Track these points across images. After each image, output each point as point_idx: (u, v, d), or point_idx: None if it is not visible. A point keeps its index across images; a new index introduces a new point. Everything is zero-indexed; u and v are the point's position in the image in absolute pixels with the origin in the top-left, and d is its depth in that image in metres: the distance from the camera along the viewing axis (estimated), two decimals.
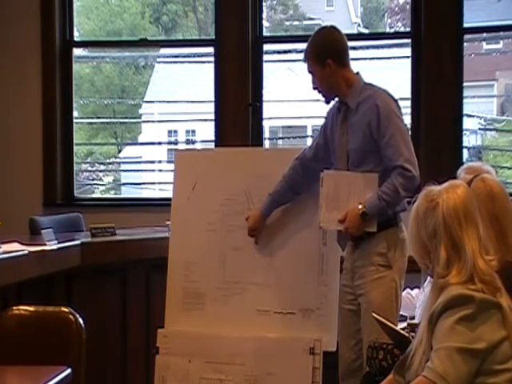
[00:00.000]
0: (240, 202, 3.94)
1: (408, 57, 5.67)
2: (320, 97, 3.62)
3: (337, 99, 3.58)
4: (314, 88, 3.57)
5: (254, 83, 5.72)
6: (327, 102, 3.63)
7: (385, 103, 3.41)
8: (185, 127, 7.24)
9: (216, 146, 5.72)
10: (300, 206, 3.80)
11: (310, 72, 3.55)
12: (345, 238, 3.51)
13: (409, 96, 5.59)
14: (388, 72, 6.27)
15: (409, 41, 5.68)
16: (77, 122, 6.28)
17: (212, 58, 5.86)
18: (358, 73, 3.57)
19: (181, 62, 6.89)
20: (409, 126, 5.32)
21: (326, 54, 3.48)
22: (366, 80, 3.58)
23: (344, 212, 3.40)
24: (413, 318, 3.80)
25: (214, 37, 5.86)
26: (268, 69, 5.94)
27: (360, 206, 3.36)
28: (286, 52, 6.26)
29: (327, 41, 3.53)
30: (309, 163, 3.67)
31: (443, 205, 2.38)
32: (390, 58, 6.32)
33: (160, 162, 6.79)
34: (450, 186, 2.46)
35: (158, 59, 7.13)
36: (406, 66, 5.69)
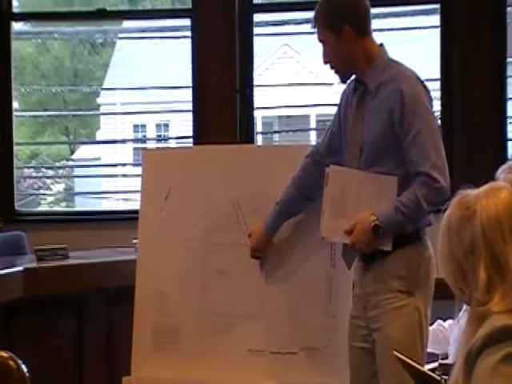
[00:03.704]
0: (226, 214, 3.95)
1: (437, 26, 5.71)
2: (328, 79, 3.61)
3: (354, 77, 3.54)
4: (326, 62, 3.51)
5: (243, 64, 5.75)
6: (343, 82, 3.58)
7: (412, 89, 3.36)
8: (155, 120, 7.27)
9: (195, 143, 5.77)
10: (303, 216, 3.79)
11: (320, 41, 3.51)
12: (351, 253, 3.50)
13: (438, 76, 5.63)
14: (412, 46, 6.30)
15: (437, 6, 5.72)
16: (17, 116, 6.30)
17: (189, 33, 5.89)
18: (381, 44, 3.51)
19: (149, 38, 6.91)
20: (438, 114, 5.34)
21: (343, 18, 3.42)
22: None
23: (352, 221, 3.40)
24: (446, 356, 3.81)
25: (190, 6, 5.89)
26: (260, 45, 5.97)
27: (372, 217, 3.35)
28: (282, 24, 6.27)
29: (345, 1, 3.49)
30: (323, 159, 3.62)
31: (482, 213, 2.38)
32: (414, 28, 6.36)
33: (124, 165, 6.82)
34: (491, 189, 2.46)
35: (121, 35, 7.16)
36: (434, 39, 5.72)
